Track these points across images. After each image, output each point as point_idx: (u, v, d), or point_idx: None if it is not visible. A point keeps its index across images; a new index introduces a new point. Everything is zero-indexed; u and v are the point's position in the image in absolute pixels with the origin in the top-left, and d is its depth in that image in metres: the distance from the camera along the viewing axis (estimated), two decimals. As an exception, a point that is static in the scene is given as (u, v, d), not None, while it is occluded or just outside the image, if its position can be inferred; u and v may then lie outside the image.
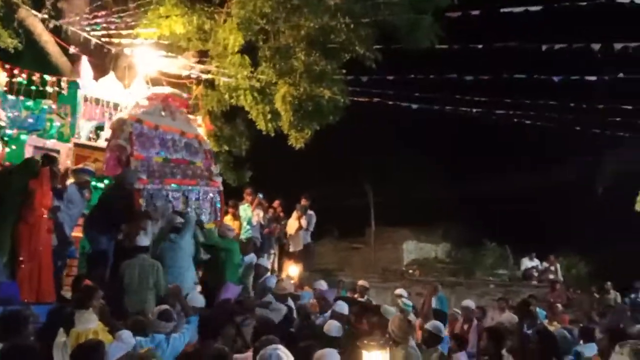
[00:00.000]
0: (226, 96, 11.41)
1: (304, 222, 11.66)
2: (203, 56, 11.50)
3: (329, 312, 6.68)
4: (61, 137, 9.04)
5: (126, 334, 4.68)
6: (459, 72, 9.49)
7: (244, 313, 6.15)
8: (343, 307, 6.50)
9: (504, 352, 5.10)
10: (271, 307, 6.69)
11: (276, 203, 12.26)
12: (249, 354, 4.27)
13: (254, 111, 11.40)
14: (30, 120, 8.77)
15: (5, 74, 8.87)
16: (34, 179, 6.64)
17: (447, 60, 11.05)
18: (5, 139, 8.49)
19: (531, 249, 15.42)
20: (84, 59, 9.73)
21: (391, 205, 17.59)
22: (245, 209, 11.05)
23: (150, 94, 9.25)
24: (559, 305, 9.87)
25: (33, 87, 9.12)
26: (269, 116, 11.35)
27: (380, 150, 17.93)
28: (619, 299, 12.38)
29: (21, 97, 8.88)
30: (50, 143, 8.84)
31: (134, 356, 3.86)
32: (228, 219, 9.81)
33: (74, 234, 7.68)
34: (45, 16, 10.40)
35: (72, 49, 10.45)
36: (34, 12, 10.47)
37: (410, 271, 16.17)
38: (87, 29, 10.12)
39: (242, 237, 10.26)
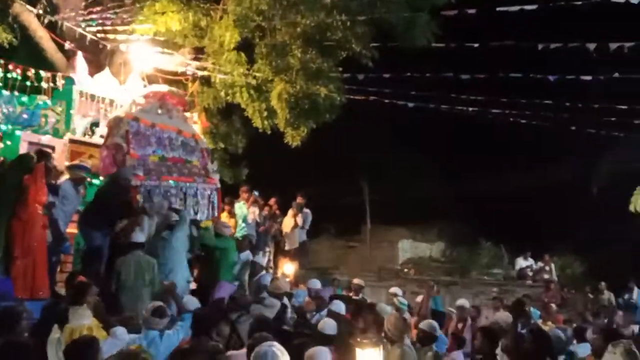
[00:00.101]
0: (222, 93, 11.39)
1: (299, 220, 11.66)
2: (199, 53, 11.48)
3: (325, 310, 6.68)
4: (56, 133, 9.00)
5: (120, 330, 4.68)
6: (455, 71, 9.51)
7: (239, 310, 6.15)
8: (340, 306, 6.50)
9: (498, 351, 5.10)
10: (265, 302, 6.69)
11: (272, 201, 12.25)
12: (243, 351, 4.27)
13: (250, 108, 11.38)
14: (25, 116, 8.72)
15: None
16: (28, 175, 6.61)
17: (443, 58, 11.05)
18: (0, 134, 8.46)
19: (526, 248, 15.46)
20: (79, 55, 9.69)
21: (387, 204, 17.59)
22: (241, 207, 11.04)
23: (148, 92, 9.24)
24: (553, 305, 9.90)
25: (28, 83, 9.08)
26: (265, 114, 11.34)
27: (377, 148, 17.93)
28: (612, 299, 12.42)
29: (16, 93, 8.83)
30: (45, 139, 8.80)
31: (124, 352, 3.84)
32: (224, 217, 9.81)
33: (68, 230, 7.65)
34: (41, 11, 10.35)
35: (68, 45, 10.42)
36: (29, 7, 10.41)
37: (406, 270, 16.19)
38: (83, 24, 10.08)
39: (238, 234, 10.25)
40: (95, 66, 10.09)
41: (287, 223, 11.85)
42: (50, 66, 10.08)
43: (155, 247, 7.02)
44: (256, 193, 11.63)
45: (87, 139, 9.45)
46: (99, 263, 6.98)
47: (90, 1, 10.73)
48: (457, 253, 17.63)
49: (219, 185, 9.29)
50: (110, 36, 10.24)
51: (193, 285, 7.87)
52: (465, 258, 17.07)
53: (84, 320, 4.76)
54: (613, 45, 7.74)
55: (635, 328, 8.70)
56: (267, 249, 11.73)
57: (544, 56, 8.35)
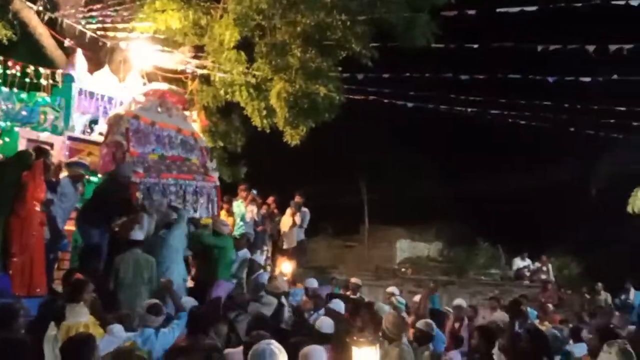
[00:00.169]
0: (221, 92, 11.39)
1: (297, 219, 11.67)
2: (199, 51, 11.46)
3: (323, 309, 6.69)
4: (55, 130, 8.99)
5: (117, 327, 4.68)
6: (454, 71, 9.51)
7: (237, 309, 6.15)
8: (339, 305, 6.51)
9: (495, 350, 5.12)
10: (263, 300, 6.69)
11: (270, 199, 12.26)
12: (240, 348, 4.27)
13: (250, 107, 11.38)
14: (24, 113, 8.70)
15: (-1, 65, 8.83)
16: (27, 172, 6.61)
17: (443, 59, 11.06)
18: (-1, 131, 8.45)
19: (524, 248, 15.49)
20: (79, 52, 9.67)
21: (385, 204, 17.61)
22: (239, 205, 11.05)
23: (148, 90, 9.23)
24: (550, 305, 9.91)
25: (27, 80, 9.07)
26: (264, 112, 11.33)
27: (376, 148, 17.94)
28: (609, 299, 12.45)
29: (15, 90, 8.82)
30: (44, 136, 8.78)
31: (119, 350, 3.85)
32: (222, 215, 9.81)
33: (66, 227, 7.65)
34: (41, 8, 10.33)
35: (67, 42, 10.40)
36: (29, 4, 10.39)
37: (403, 269, 16.21)
38: (83, 22, 10.06)
39: (236, 233, 10.25)
40: (95, 64, 10.08)
41: (286, 222, 11.86)
42: (49, 63, 10.06)
43: (152, 245, 7.01)
44: (254, 192, 11.63)
45: (86, 136, 9.44)
46: (97, 260, 6.98)
47: (90, -2, 10.74)
48: (455, 253, 17.67)
49: (218, 183, 9.29)
50: (110, 34, 10.21)
51: (190, 284, 7.87)
52: (462, 258, 17.10)
53: (80, 318, 4.76)
54: (612, 47, 7.76)
55: (632, 328, 8.71)
56: (265, 248, 11.74)
57: (544, 57, 8.36)
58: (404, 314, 7.36)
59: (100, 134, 9.23)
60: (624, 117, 9.98)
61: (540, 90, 9.91)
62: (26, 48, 10.84)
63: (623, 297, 12.49)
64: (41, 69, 9.23)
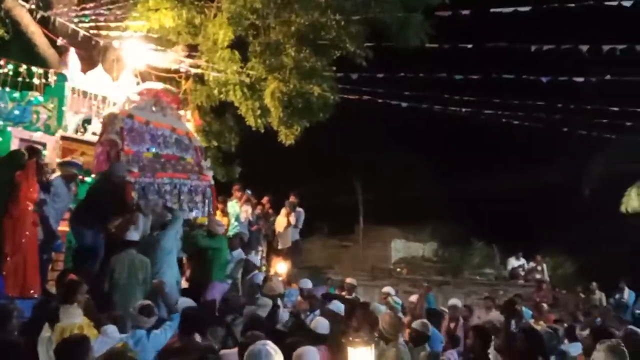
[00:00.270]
0: (215, 91, 11.36)
1: (292, 219, 11.67)
2: (192, 50, 11.43)
3: (319, 310, 6.68)
4: (48, 130, 8.93)
5: (111, 328, 4.66)
6: (448, 71, 9.54)
7: (232, 312, 6.11)
8: (339, 307, 6.50)
9: (490, 350, 5.13)
10: (258, 302, 6.67)
11: (265, 199, 12.25)
12: (235, 350, 4.25)
13: (244, 107, 11.36)
14: (17, 112, 8.63)
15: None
16: (19, 172, 6.56)
17: (437, 59, 11.08)
18: (-9, 130, 8.39)
19: (518, 248, 15.54)
20: (72, 51, 9.61)
21: (380, 203, 17.62)
22: (233, 205, 11.03)
23: (142, 89, 9.18)
24: (545, 305, 9.95)
25: (20, 79, 9.00)
26: (258, 112, 11.32)
27: (370, 148, 17.95)
28: (604, 299, 12.50)
29: (7, 89, 8.75)
30: (37, 135, 8.72)
31: (110, 352, 3.83)
32: (217, 215, 9.77)
33: (60, 228, 7.60)
34: (33, 7, 10.26)
35: (60, 41, 10.31)
36: (21, 2, 10.31)
37: (398, 269, 16.22)
38: (75, 20, 10.00)
39: (230, 233, 10.22)
40: (88, 63, 10.01)
41: (280, 222, 11.84)
42: (42, 62, 9.98)
43: (147, 246, 6.97)
44: (249, 192, 11.61)
45: (79, 136, 9.37)
46: (91, 261, 6.93)
47: (83, -3, 10.68)
48: (450, 253, 17.68)
49: (212, 182, 9.27)
50: (103, 32, 10.16)
51: (185, 285, 7.84)
52: (457, 258, 17.12)
53: (74, 319, 4.73)
54: (605, 47, 7.81)
55: (628, 328, 8.74)
56: (260, 248, 11.72)
57: (537, 57, 8.40)
58: (400, 315, 7.37)
59: (94, 133, 9.18)
60: (617, 117, 10.04)
61: (533, 90, 9.95)
62: (18, 47, 10.75)
63: (617, 296, 12.53)
64: (34, 68, 9.16)
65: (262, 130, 11.68)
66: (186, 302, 5.98)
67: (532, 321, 8.07)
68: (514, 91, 10.14)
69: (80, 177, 8.17)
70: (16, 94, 8.75)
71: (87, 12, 10.06)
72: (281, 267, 10.74)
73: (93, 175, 8.51)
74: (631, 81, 8.72)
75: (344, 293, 9.31)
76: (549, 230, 16.92)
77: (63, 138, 9.06)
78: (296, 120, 11.35)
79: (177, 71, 11.41)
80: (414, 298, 8.79)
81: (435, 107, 10.96)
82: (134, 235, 6.73)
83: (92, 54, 10.57)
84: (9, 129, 8.45)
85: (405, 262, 17.09)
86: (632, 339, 4.56)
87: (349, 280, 9.91)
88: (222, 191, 11.30)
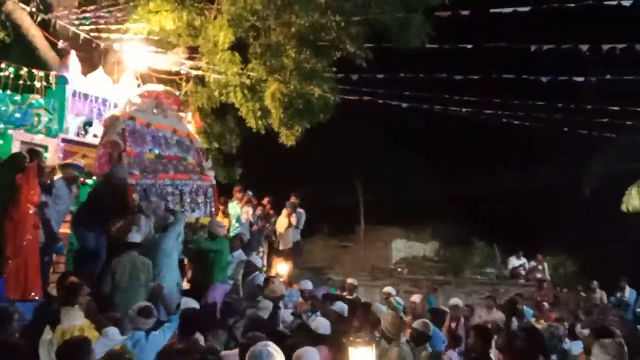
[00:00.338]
0: (216, 93, 11.37)
1: (293, 219, 11.67)
2: (193, 52, 11.44)
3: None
4: (49, 132, 8.95)
5: (112, 330, 4.67)
6: (448, 72, 9.54)
7: (235, 315, 6.12)
8: (342, 308, 6.49)
9: (492, 349, 5.13)
10: (260, 305, 6.67)
11: (266, 200, 12.25)
12: (236, 351, 4.26)
13: (244, 108, 11.37)
14: (18, 115, 8.65)
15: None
16: (21, 174, 6.57)
17: (437, 59, 11.09)
18: (-8, 133, 8.41)
19: (519, 248, 15.52)
20: (73, 54, 9.63)
21: (381, 204, 17.63)
22: (234, 207, 11.04)
23: (143, 91, 9.21)
24: (546, 304, 9.94)
25: (21, 82, 9.02)
26: (259, 113, 11.33)
27: (371, 148, 17.95)
28: (605, 297, 12.50)
29: (8, 92, 8.77)
30: (38, 138, 8.74)
31: (110, 353, 3.84)
32: (218, 217, 9.78)
33: (61, 230, 7.61)
34: (34, 9, 10.29)
35: (61, 44, 10.34)
36: (21, 5, 10.34)
37: (399, 269, 16.23)
38: (76, 23, 10.03)
39: (231, 234, 10.24)
40: (89, 65, 10.04)
41: (281, 223, 11.85)
42: (43, 65, 10.01)
43: (148, 248, 6.98)
44: (250, 193, 11.62)
45: (80, 138, 9.40)
46: (92, 263, 6.94)
47: (83, -1, 10.71)
48: (451, 253, 17.69)
49: (214, 182, 9.29)
50: (104, 35, 10.18)
51: (187, 286, 7.85)
52: (458, 257, 17.13)
53: (75, 321, 4.74)
54: (605, 47, 7.81)
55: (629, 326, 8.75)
56: (261, 249, 11.72)
57: (537, 57, 8.40)
58: (402, 315, 7.38)
59: (95, 136, 9.20)
60: (617, 117, 10.03)
61: (533, 90, 9.96)
62: (19, 50, 10.78)
63: (618, 295, 12.54)
64: (34, 71, 9.19)
65: (263, 132, 11.69)
66: (190, 302, 6.00)
67: (533, 320, 8.07)
68: (514, 91, 10.14)
69: (82, 179, 8.19)
70: (17, 97, 8.77)
71: (87, 14, 10.09)
72: (282, 267, 10.75)
73: (94, 178, 8.53)
74: (631, 81, 8.72)
75: (345, 293, 9.32)
76: (550, 230, 16.91)
77: (64, 140, 9.09)
78: (297, 121, 11.36)
79: (177, 73, 11.43)
80: (415, 298, 8.78)
81: (435, 108, 10.97)
82: (135, 237, 6.74)
83: (93, 57, 10.60)
84: (10, 131, 8.48)
85: (406, 262, 17.10)
86: (633, 337, 4.57)
87: (350, 280, 9.92)
88: (223, 192, 11.31)
